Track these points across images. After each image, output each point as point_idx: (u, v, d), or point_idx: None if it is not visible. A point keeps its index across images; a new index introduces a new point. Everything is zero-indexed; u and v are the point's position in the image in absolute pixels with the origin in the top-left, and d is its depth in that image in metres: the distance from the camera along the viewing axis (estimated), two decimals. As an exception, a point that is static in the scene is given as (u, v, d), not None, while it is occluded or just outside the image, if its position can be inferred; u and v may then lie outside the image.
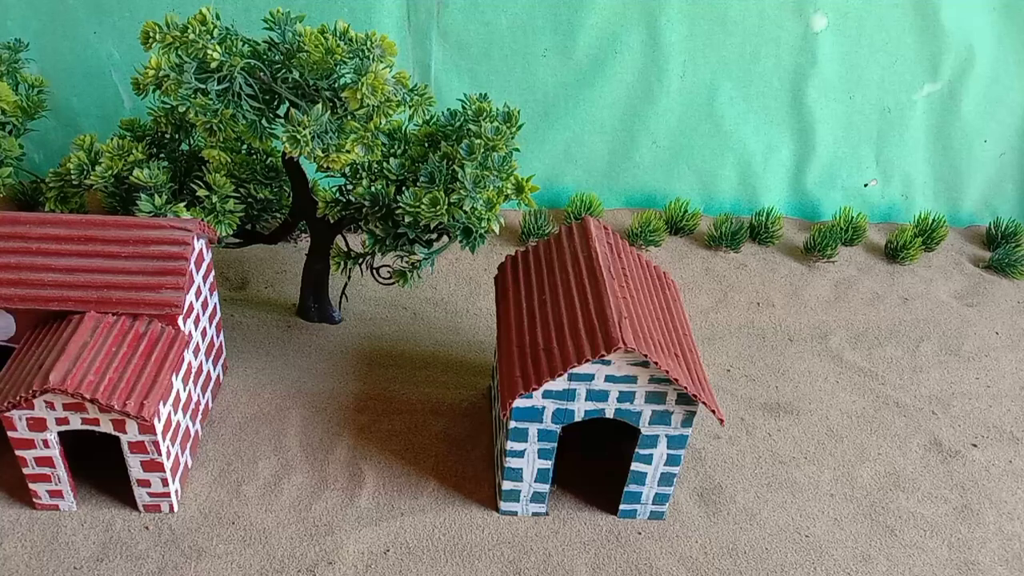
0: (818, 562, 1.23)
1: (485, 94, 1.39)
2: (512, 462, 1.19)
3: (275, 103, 1.25)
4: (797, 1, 1.86)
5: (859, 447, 1.45)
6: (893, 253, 2.01)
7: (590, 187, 2.06)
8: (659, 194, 2.09)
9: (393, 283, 1.42)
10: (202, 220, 1.26)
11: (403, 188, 1.31)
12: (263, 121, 1.23)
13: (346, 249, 1.45)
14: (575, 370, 1.07)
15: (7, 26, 1.80)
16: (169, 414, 1.17)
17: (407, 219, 1.28)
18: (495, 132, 1.28)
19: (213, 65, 1.17)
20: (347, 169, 1.32)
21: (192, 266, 1.23)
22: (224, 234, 1.33)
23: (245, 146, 1.44)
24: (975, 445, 1.48)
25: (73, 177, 1.32)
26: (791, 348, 1.69)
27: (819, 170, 2.11)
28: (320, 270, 1.58)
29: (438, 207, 1.25)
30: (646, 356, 1.03)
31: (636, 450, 1.18)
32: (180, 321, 1.19)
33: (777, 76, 1.96)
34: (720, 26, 1.86)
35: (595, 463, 1.33)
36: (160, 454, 1.14)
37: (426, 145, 1.38)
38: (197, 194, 1.33)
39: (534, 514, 1.26)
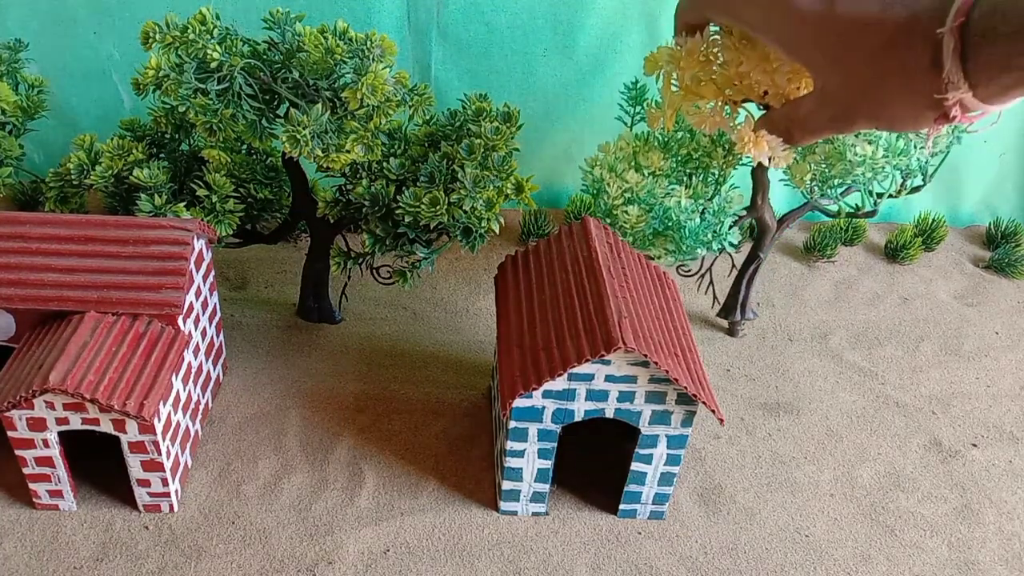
0: (818, 562, 1.23)
1: (485, 94, 1.39)
2: (512, 462, 1.19)
3: (275, 103, 1.25)
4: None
5: (859, 447, 1.45)
6: (893, 253, 2.01)
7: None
8: (659, 194, 2.09)
9: (393, 283, 1.42)
10: (202, 220, 1.26)
11: (403, 188, 1.31)
12: (263, 121, 1.23)
13: (346, 249, 1.46)
14: (575, 370, 1.07)
15: (7, 26, 1.80)
16: (169, 414, 1.17)
17: (407, 219, 1.28)
18: (495, 132, 1.28)
19: (213, 65, 1.17)
20: (347, 169, 1.32)
21: (192, 266, 1.23)
22: (224, 234, 1.33)
23: (245, 146, 1.44)
24: (975, 445, 1.48)
25: (73, 177, 1.32)
26: (791, 348, 1.69)
27: (819, 170, 2.10)
28: (320, 270, 1.58)
29: (438, 207, 1.25)
30: (646, 356, 1.03)
31: (636, 450, 1.18)
32: (180, 321, 1.19)
33: (777, 76, 1.96)
34: (720, 26, 1.86)
35: (595, 463, 1.33)
36: (160, 454, 1.14)
37: (426, 145, 1.38)
38: (197, 194, 1.33)
39: (534, 514, 1.26)
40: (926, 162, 1.42)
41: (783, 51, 0.71)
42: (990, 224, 2.15)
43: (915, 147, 1.37)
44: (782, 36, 0.69)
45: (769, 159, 0.86)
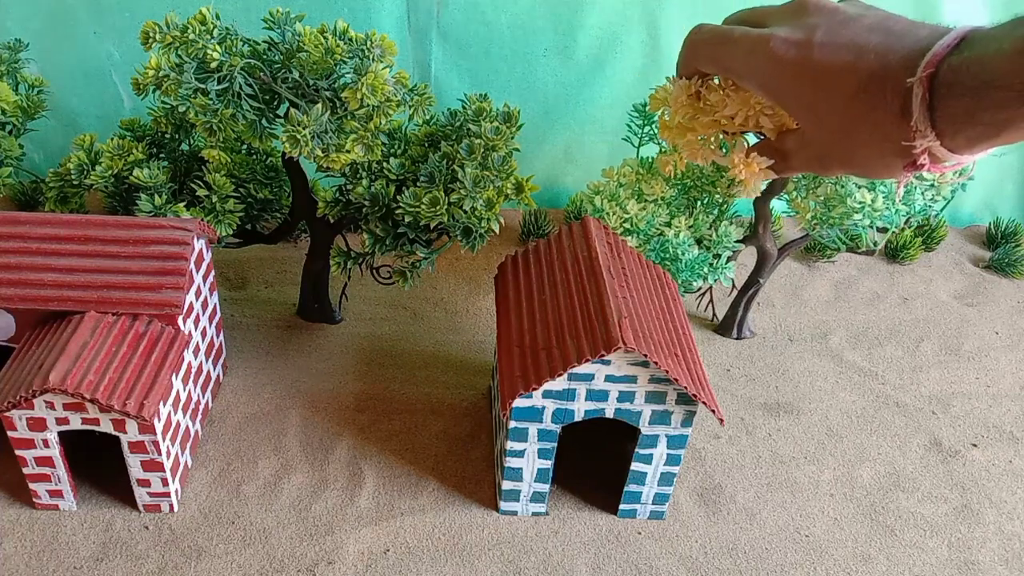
0: (818, 562, 1.23)
1: (485, 94, 1.39)
2: (512, 462, 1.19)
3: (275, 103, 1.25)
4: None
5: (859, 447, 1.45)
6: (893, 253, 2.01)
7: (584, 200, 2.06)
8: (659, 194, 2.09)
9: (393, 283, 1.42)
10: (202, 220, 1.26)
11: (403, 188, 1.31)
12: (263, 121, 1.23)
13: (346, 249, 1.46)
14: (575, 370, 1.07)
15: (7, 26, 1.80)
16: (169, 414, 1.17)
17: (407, 219, 1.28)
18: (495, 132, 1.28)
19: (213, 65, 1.17)
20: (347, 169, 1.32)
21: (192, 266, 1.23)
22: (224, 234, 1.33)
23: (245, 146, 1.44)
24: (975, 445, 1.48)
25: (73, 177, 1.32)
26: (791, 348, 1.69)
27: (819, 170, 2.11)
28: (320, 270, 1.58)
29: (438, 207, 1.25)
30: (646, 356, 1.03)
31: (636, 450, 1.18)
32: (180, 321, 1.19)
33: (777, 76, 1.96)
34: (720, 26, 1.86)
35: (595, 463, 1.33)
36: (160, 454, 1.14)
37: (426, 145, 1.38)
38: (197, 194, 1.33)
39: (534, 514, 1.26)
40: (928, 206, 1.44)
41: (765, 96, 0.74)
42: (990, 224, 2.15)
43: (920, 192, 1.39)
44: (764, 82, 0.72)
45: (744, 186, 0.88)
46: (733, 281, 1.48)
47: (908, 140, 0.60)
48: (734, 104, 0.81)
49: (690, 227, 1.38)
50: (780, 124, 0.81)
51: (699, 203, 1.42)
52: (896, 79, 0.60)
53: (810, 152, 0.73)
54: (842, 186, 1.37)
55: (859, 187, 1.36)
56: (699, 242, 1.42)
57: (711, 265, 1.37)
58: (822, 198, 1.39)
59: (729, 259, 1.42)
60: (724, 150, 0.88)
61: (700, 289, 1.71)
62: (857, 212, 1.35)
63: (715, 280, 1.40)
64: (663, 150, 1.50)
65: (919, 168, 0.62)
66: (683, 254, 1.33)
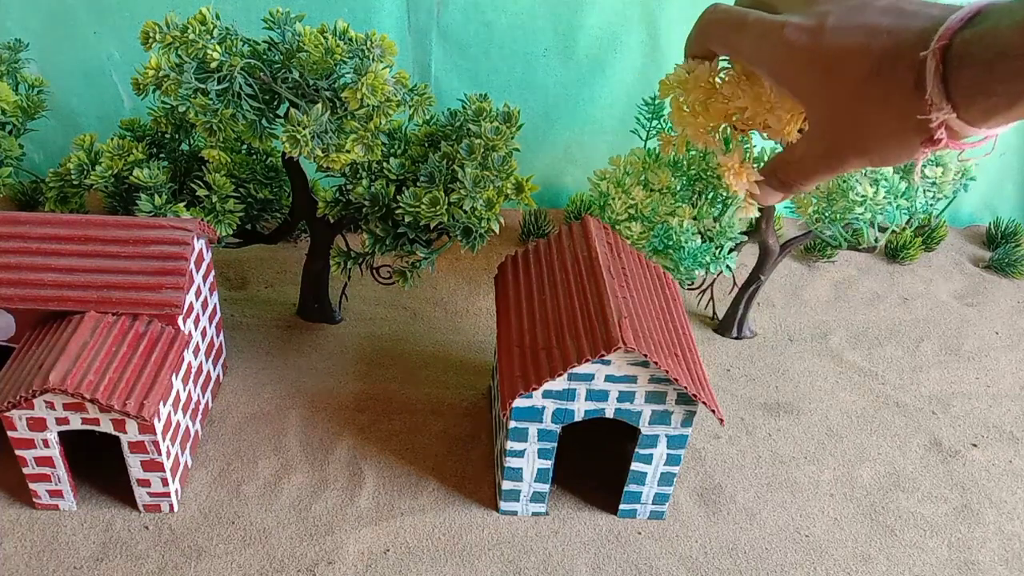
0: (818, 562, 1.23)
1: (485, 94, 1.39)
2: (512, 462, 1.19)
3: (275, 103, 1.25)
4: (797, 1, 1.86)
5: (859, 447, 1.45)
6: (893, 253, 2.01)
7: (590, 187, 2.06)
8: (659, 194, 2.09)
9: (393, 283, 1.42)
10: (202, 220, 1.26)
11: (403, 188, 1.31)
12: (263, 121, 1.23)
13: (346, 249, 1.45)
14: (575, 370, 1.07)
15: (7, 26, 1.80)
16: (169, 414, 1.17)
17: (407, 219, 1.28)
18: (495, 132, 1.28)
19: (213, 65, 1.17)
20: (347, 169, 1.32)
21: (192, 266, 1.23)
22: (224, 234, 1.33)
23: (245, 146, 1.44)
24: (975, 445, 1.48)
25: (73, 177, 1.32)
26: (791, 348, 1.69)
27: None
28: (320, 270, 1.58)
29: (438, 207, 1.25)
30: (646, 356, 1.03)
31: (636, 450, 1.18)
32: (180, 321, 1.19)
33: (777, 76, 1.96)
34: (720, 26, 1.86)
35: (595, 463, 1.33)
36: (160, 454, 1.14)
37: (426, 145, 1.38)
38: (197, 194, 1.33)
39: (534, 514, 1.26)
40: (931, 205, 1.44)
41: (775, 83, 0.74)
42: (990, 224, 2.15)
43: (921, 191, 1.39)
44: (774, 68, 0.71)
45: (743, 200, 0.88)
46: (734, 276, 1.47)
47: (924, 114, 0.60)
48: (747, 98, 0.81)
49: (694, 218, 1.38)
50: (782, 132, 0.80)
51: (704, 197, 1.42)
52: (910, 55, 0.60)
53: (823, 147, 0.72)
54: (844, 180, 1.37)
55: (859, 182, 1.36)
56: (702, 236, 1.42)
57: (714, 255, 1.37)
58: (824, 191, 1.40)
59: (731, 250, 1.42)
60: (727, 145, 0.88)
61: (701, 283, 1.71)
62: (859, 205, 1.35)
63: (717, 270, 1.40)
64: (667, 129, 1.50)
65: (937, 144, 0.62)
66: (686, 242, 1.33)
